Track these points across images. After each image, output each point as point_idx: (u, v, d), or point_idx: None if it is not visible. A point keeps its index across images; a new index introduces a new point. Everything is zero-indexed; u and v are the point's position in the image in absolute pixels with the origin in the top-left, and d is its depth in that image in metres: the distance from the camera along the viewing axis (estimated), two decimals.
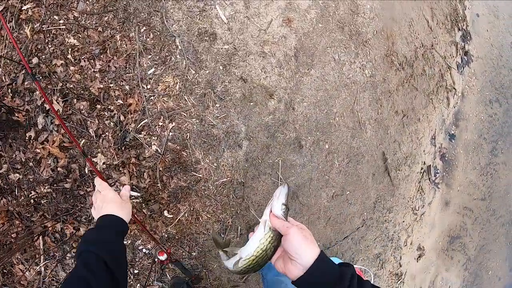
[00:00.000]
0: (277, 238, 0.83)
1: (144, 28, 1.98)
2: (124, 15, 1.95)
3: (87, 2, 1.95)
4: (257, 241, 0.83)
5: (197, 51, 2.02)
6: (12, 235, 1.81)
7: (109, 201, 1.07)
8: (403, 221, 2.76)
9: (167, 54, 1.98)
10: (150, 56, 1.97)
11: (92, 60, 1.93)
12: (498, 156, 3.43)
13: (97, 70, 1.91)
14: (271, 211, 0.84)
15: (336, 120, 2.26)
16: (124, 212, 1.05)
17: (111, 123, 1.90)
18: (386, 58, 2.51)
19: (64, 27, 1.91)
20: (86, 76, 1.89)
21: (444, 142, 3.01)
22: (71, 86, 1.87)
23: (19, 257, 1.85)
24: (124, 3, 1.95)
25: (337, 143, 2.28)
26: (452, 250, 3.18)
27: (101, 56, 1.94)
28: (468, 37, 3.34)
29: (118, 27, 1.95)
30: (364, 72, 2.38)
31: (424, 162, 2.84)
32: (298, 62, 2.19)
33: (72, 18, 1.93)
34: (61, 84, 1.86)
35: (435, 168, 2.94)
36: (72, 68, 1.90)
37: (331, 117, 2.25)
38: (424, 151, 2.82)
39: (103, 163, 1.89)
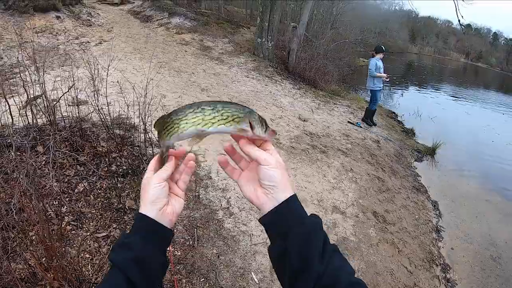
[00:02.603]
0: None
1: (203, 279, 3.36)
2: (191, 268, 3.40)
3: (167, 253, 3.30)
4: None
5: None
6: None
7: None
8: None
9: None
10: None
11: None
12: None
13: None
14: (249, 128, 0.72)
15: None
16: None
17: None
18: None
19: None
20: None
21: None
22: None
23: None
24: (192, 261, 3.46)
25: None
26: None
27: None
28: (448, 268, 4.54)
29: (185, 274, 3.31)
30: None
31: None
32: None
33: None
34: None
35: None
36: None
37: None
38: None
39: None
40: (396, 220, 5.02)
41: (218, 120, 0.71)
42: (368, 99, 9.08)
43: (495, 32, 67.75)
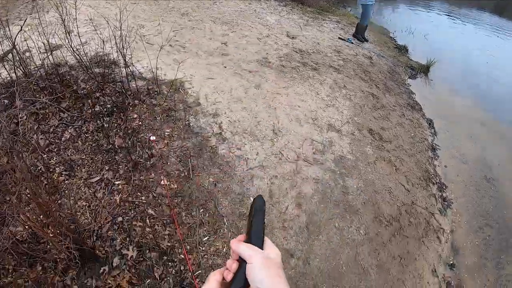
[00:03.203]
0: None
1: (202, 209, 3.20)
2: (189, 199, 3.22)
3: (163, 187, 3.26)
4: None
5: (238, 227, 3.17)
6: None
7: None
8: None
9: (217, 227, 3.11)
10: (205, 228, 3.08)
11: (163, 226, 2.97)
12: (505, 269, 3.80)
13: (167, 234, 2.92)
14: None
15: (343, 269, 3.20)
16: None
17: (173, 270, 2.75)
18: (375, 219, 3.58)
19: (145, 201, 3.10)
20: (158, 236, 2.89)
21: (445, 272, 3.69)
22: (146, 241, 2.82)
23: None
24: (190, 192, 3.27)
25: (348, 287, 3.16)
26: None
27: (170, 225, 3.01)
28: (444, 187, 4.39)
29: (184, 207, 3.17)
30: (359, 232, 3.43)
31: None
32: (309, 231, 3.31)
33: (151, 197, 3.14)
34: (138, 238, 2.82)
35: None
36: (147, 229, 2.91)
37: (339, 267, 3.20)
38: (428, 282, 3.52)
39: None
40: (392, 137, 4.70)
41: None
42: (359, 16, 8.35)
43: None
